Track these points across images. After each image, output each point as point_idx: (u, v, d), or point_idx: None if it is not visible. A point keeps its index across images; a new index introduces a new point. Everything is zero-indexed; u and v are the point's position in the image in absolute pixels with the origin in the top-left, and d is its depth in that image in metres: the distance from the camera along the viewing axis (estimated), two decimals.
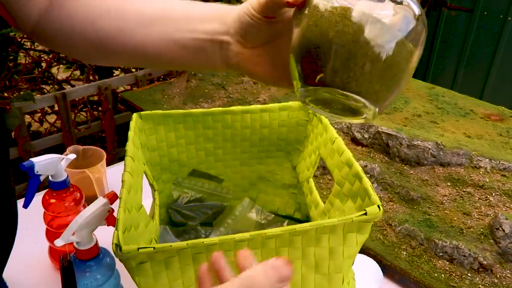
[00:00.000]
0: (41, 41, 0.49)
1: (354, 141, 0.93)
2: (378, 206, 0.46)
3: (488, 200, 0.83)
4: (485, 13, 2.84)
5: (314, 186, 0.67)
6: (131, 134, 0.59)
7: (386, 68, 0.34)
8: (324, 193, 0.87)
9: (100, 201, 0.55)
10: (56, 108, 1.69)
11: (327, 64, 0.34)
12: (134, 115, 0.64)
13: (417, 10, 0.34)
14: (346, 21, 0.33)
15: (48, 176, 0.67)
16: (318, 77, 0.35)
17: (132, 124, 0.62)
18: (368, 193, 0.49)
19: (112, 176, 0.89)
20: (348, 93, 0.34)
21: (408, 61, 0.35)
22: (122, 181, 0.49)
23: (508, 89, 2.85)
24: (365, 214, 0.45)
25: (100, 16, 0.44)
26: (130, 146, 0.56)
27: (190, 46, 0.43)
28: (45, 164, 0.63)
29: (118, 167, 1.02)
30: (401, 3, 0.34)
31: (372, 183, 0.87)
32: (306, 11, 0.36)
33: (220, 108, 0.68)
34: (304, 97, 0.38)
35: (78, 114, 2.06)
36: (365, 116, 0.37)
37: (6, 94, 1.55)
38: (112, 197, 0.56)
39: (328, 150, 0.61)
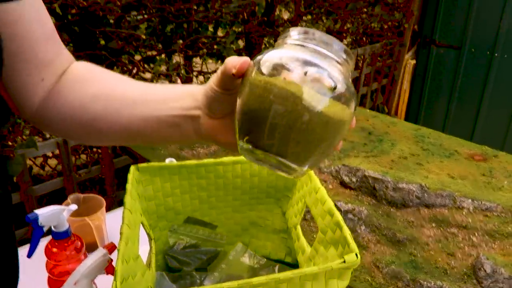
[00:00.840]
0: (40, 126, 0.55)
1: (343, 184, 0.98)
2: (356, 254, 0.50)
3: (471, 240, 0.87)
4: (473, 49, 2.95)
5: (301, 232, 0.71)
6: (128, 186, 0.64)
7: (303, 134, 0.38)
8: (314, 236, 0.91)
9: (100, 252, 0.59)
10: (58, 152, 1.74)
11: (253, 129, 0.40)
12: (132, 168, 0.69)
13: (333, 82, 0.38)
14: (266, 93, 0.38)
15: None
16: (246, 139, 0.41)
17: (130, 176, 0.67)
18: (347, 241, 0.53)
19: (111, 223, 0.93)
20: (271, 154, 0.40)
21: (326, 127, 0.39)
22: (120, 233, 0.53)
23: (499, 123, 2.92)
24: (344, 262, 0.50)
25: (90, 100, 0.50)
26: (128, 199, 0.60)
27: (168, 122, 0.49)
28: (48, 216, 0.68)
29: (117, 212, 1.06)
30: (318, 79, 0.37)
31: (360, 225, 0.91)
32: (242, 83, 0.41)
33: (212, 160, 0.73)
34: (243, 155, 0.43)
35: (78, 157, 2.10)
36: (293, 174, 0.42)
37: (10, 143, 1.61)
38: (111, 248, 0.60)
39: (312, 199, 0.66)
